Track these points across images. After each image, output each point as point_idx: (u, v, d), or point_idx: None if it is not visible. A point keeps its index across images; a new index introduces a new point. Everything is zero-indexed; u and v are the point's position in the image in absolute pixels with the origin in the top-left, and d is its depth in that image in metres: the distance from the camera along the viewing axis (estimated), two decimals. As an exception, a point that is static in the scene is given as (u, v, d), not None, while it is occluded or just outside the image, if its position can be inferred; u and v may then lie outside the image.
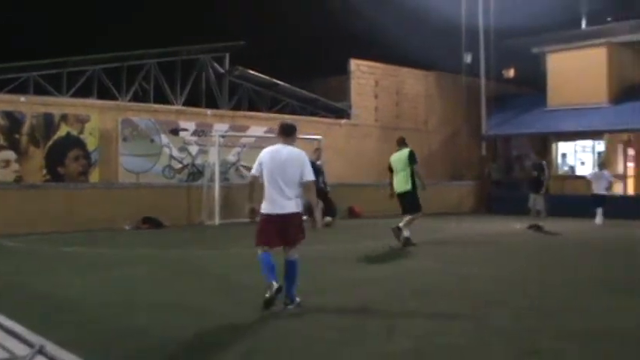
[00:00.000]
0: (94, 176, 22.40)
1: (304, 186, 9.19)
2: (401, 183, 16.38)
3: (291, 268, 9.02)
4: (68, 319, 8.38)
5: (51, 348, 3.40)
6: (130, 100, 25.49)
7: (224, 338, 7.45)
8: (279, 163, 9.01)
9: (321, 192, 22.17)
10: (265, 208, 9.06)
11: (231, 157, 25.15)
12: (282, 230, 9.00)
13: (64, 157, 21.89)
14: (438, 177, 30.64)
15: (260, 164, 9.10)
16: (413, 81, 32.06)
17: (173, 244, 17.66)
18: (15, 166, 21.03)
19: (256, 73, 28.63)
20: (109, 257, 14.83)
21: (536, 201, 21.05)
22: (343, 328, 7.88)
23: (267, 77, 28.83)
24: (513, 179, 32.48)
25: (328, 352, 6.89)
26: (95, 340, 7.31)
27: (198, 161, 24.41)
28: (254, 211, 9.22)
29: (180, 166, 24.15)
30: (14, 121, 21.05)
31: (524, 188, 22.14)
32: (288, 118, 26.97)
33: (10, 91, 23.03)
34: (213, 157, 23.82)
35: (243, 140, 25.58)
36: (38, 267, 13.40)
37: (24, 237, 18.07)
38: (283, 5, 34.10)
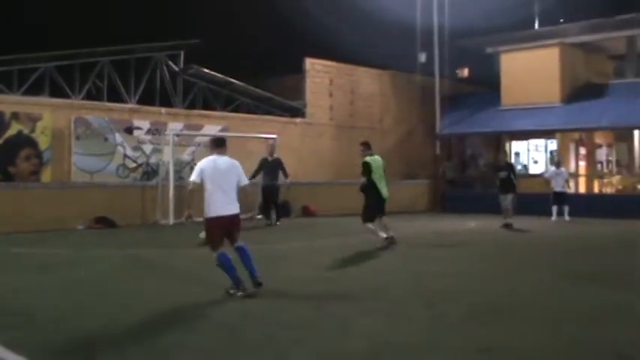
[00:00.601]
0: (46, 176, 22.11)
1: (241, 190, 10.27)
2: (386, 189, 16.33)
3: (244, 253, 10.04)
4: (16, 321, 8.27)
5: (-1, 350, 3.33)
6: (83, 99, 25.25)
7: (176, 338, 7.39)
8: (220, 172, 10.08)
9: (275, 191, 22.23)
10: (214, 211, 10.01)
11: (185, 156, 25.00)
12: (229, 229, 10.09)
13: (14, 156, 21.57)
14: (392, 176, 30.74)
15: (201, 172, 10.07)
16: (368, 80, 32.15)
17: (126, 244, 17.48)
18: (-36, 166, 20.74)
19: (211, 72, 28.52)
20: (60, 258, 14.65)
21: (507, 200, 21.29)
22: (298, 326, 7.88)
23: (221, 76, 28.73)
24: (468, 178, 32.77)
25: (282, 351, 6.87)
26: (43, 341, 7.24)
27: (153, 160, 24.23)
28: (191, 216, 10.33)
29: (134, 165, 23.96)
30: (-36, 119, 20.75)
31: (497, 190, 22.17)
32: (242, 117, 27.11)
33: (-40, 89, 22.72)
34: (167, 156, 23.63)
35: (198, 139, 25.43)
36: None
37: (-26, 237, 17.82)
38: (238, 4, 34.03)
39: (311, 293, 10.00)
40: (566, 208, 24.35)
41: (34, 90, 24.62)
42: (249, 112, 29.27)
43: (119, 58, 26.75)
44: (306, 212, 26.61)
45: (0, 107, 21.45)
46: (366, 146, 16.56)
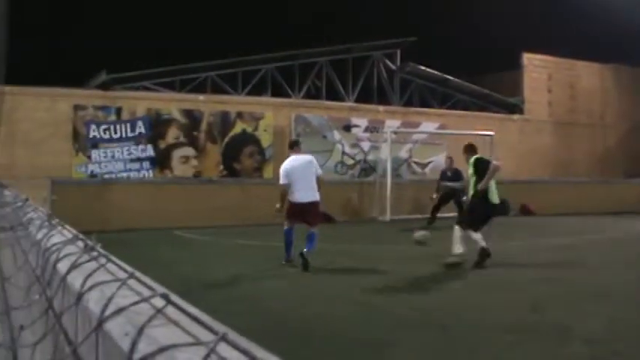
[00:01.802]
0: (268, 172, 22.95)
1: (318, 178, 12.72)
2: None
3: (311, 237, 12.30)
4: (244, 309, 8.66)
5: (232, 335, 3.52)
6: (302, 98, 25.97)
7: (384, 334, 7.49)
8: (300, 168, 12.54)
9: (456, 193, 21.14)
10: (296, 198, 12.49)
11: (402, 154, 25.21)
12: (304, 213, 12.46)
13: (239, 153, 22.60)
14: (614, 174, 29.71)
15: (287, 175, 12.53)
16: (588, 75, 31.17)
17: (342, 239, 17.83)
18: (194, 162, 21.92)
19: (427, 69, 28.57)
20: (280, 250, 15.17)
21: None
22: (515, 329, 7.75)
23: (437, 73, 28.73)
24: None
25: (498, 354, 6.82)
26: (267, 329, 7.51)
27: (370, 157, 24.61)
28: (280, 210, 12.80)
29: (352, 162, 24.42)
30: (193, 118, 21.92)
31: None
32: (459, 114, 27.03)
33: (190, 91, 23.95)
34: (385, 154, 23.91)
35: (415, 136, 25.60)
36: (215, 258, 13.94)
37: (202, 229, 18.74)
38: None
39: (528, 295, 9.84)
40: None
41: (257, 90, 25.57)
42: (465, 109, 29.09)
43: (337, 58, 27.30)
44: (525, 211, 26.08)
45: (226, 107, 22.54)
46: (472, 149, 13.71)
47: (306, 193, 12.47)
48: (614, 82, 31.71)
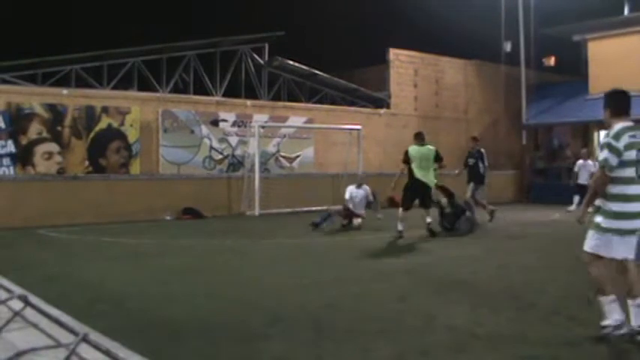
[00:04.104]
0: (135, 168, 22.60)
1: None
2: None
3: None
4: (109, 309, 8.46)
5: (94, 336, 3.42)
6: (170, 92, 25.64)
7: (262, 327, 7.46)
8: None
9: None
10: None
11: (271, 148, 25.24)
12: None
13: (105, 148, 22.12)
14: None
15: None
16: (452, 70, 31.91)
17: (213, 235, 17.73)
18: (58, 158, 21.31)
19: (295, 64, 28.63)
20: (150, 247, 14.97)
21: (472, 190, 20.67)
22: (381, 318, 7.86)
23: (306, 67, 28.83)
24: (554, 169, 32.22)
25: (366, 343, 6.86)
26: (135, 328, 7.36)
27: (238, 152, 24.53)
28: None
29: (220, 157, 24.28)
30: (57, 113, 21.31)
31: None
32: (327, 109, 27.27)
33: (53, 84, 23.28)
34: (253, 148, 23.87)
35: (283, 131, 25.66)
36: (81, 257, 13.54)
37: (67, 228, 18.29)
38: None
39: (393, 285, 9.98)
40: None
41: (123, 84, 25.10)
42: (333, 103, 29.34)
43: (205, 52, 27.07)
44: (392, 203, 26.48)
45: (91, 102, 22.00)
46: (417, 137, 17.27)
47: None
48: (476, 77, 32.58)
